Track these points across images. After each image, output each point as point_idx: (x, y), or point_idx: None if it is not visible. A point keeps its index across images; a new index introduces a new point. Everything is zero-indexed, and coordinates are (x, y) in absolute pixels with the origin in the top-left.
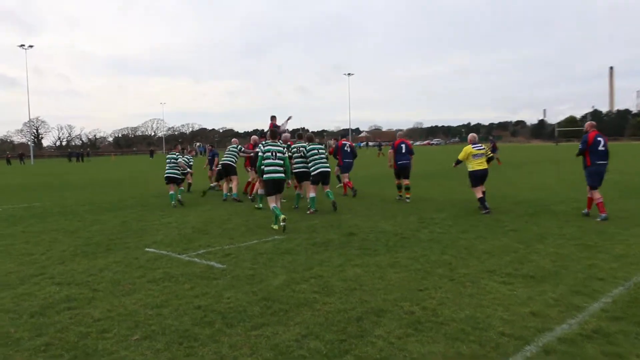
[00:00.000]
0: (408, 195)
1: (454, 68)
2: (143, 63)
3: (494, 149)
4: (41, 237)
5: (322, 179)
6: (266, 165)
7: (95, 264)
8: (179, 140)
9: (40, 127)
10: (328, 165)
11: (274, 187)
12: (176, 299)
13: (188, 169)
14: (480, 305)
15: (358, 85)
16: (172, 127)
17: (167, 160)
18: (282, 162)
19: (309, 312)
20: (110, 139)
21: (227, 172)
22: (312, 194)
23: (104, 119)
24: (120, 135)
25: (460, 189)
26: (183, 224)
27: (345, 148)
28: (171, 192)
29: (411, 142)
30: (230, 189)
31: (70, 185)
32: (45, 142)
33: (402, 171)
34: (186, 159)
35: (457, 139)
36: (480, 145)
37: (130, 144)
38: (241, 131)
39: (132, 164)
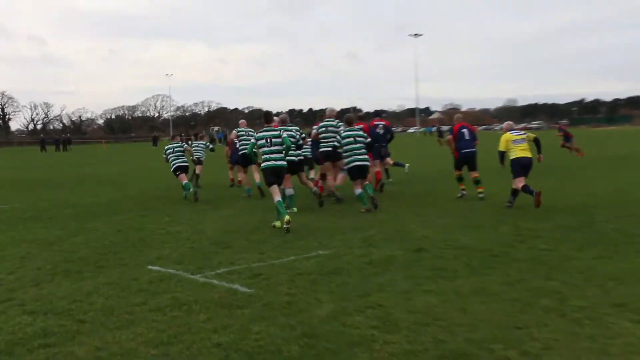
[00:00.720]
0: (480, 190)
1: (562, 24)
2: (143, 21)
3: (567, 138)
4: (8, 250)
5: (359, 174)
6: (263, 154)
7: (81, 287)
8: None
9: (6, 105)
10: (367, 157)
11: (272, 175)
12: (188, 334)
13: (199, 155)
14: (605, 352)
15: (428, 51)
16: (182, 107)
17: (170, 150)
18: (280, 147)
19: (365, 354)
20: (101, 122)
21: (246, 161)
22: (357, 190)
23: (91, 95)
24: (113, 117)
25: (568, 189)
26: (197, 233)
27: (378, 130)
28: (185, 181)
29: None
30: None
31: (48, 182)
32: (14, 125)
33: (465, 161)
34: (202, 145)
35: (565, 121)
36: (519, 130)
37: (127, 128)
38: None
39: (130, 154)
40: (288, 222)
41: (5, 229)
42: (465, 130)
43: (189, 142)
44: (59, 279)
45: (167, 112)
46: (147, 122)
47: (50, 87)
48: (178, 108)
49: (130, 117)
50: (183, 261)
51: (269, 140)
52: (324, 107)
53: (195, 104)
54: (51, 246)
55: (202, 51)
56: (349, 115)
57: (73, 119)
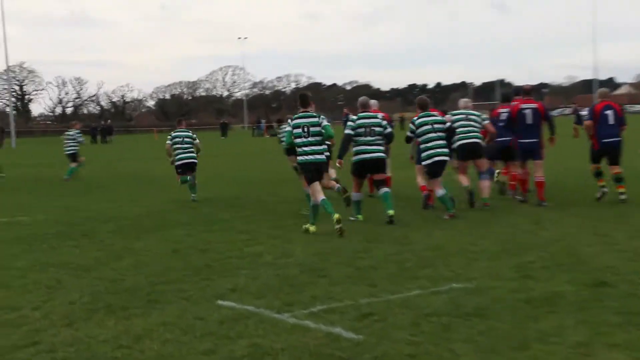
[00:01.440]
0: (621, 190)
1: None
2: None
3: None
4: (31, 277)
5: (437, 170)
6: (299, 146)
7: (129, 328)
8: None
9: (26, 81)
10: (447, 150)
11: (312, 172)
12: None
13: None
14: None
15: None
16: (261, 82)
17: (179, 139)
18: (319, 138)
19: None
20: (151, 104)
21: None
22: (440, 192)
23: (138, 67)
24: (167, 97)
25: None
26: (283, 256)
27: (501, 119)
28: (182, 177)
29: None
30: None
31: (82, 186)
32: (37, 109)
33: (607, 152)
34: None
35: None
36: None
37: (187, 111)
38: (384, 88)
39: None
40: (338, 222)
41: (27, 249)
42: (609, 113)
43: (275, 127)
44: (99, 317)
45: (239, 90)
46: (212, 104)
47: (84, 57)
48: (255, 84)
49: (190, 97)
50: (265, 294)
51: (305, 129)
52: (457, 82)
53: (279, 79)
54: (88, 272)
55: (287, 4)
56: (421, 99)
57: (114, 100)
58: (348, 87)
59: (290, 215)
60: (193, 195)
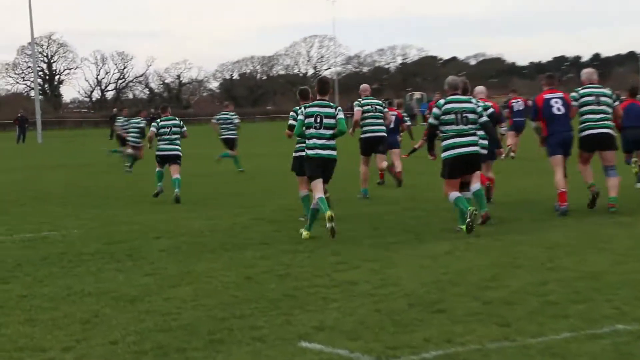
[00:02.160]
0: None
1: None
2: None
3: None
4: (63, 309)
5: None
6: (309, 138)
7: None
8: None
9: (57, 56)
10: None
11: (318, 168)
12: None
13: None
14: None
15: None
16: (357, 57)
17: (166, 129)
18: (332, 132)
19: None
20: (214, 85)
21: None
22: (476, 186)
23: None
24: (234, 77)
25: None
26: (385, 284)
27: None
28: (158, 169)
29: None
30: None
31: (124, 192)
32: (69, 94)
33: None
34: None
35: None
36: None
37: (259, 96)
38: (521, 62)
39: (264, 143)
40: (331, 219)
41: (58, 273)
42: None
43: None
44: None
45: (329, 67)
46: (293, 85)
47: (129, 26)
48: (349, 59)
49: (265, 77)
50: (362, 335)
51: (318, 119)
52: (623, 52)
53: (380, 52)
54: (133, 304)
55: None
56: (452, 78)
57: (167, 81)
58: (472, 62)
59: (394, 230)
60: (176, 190)
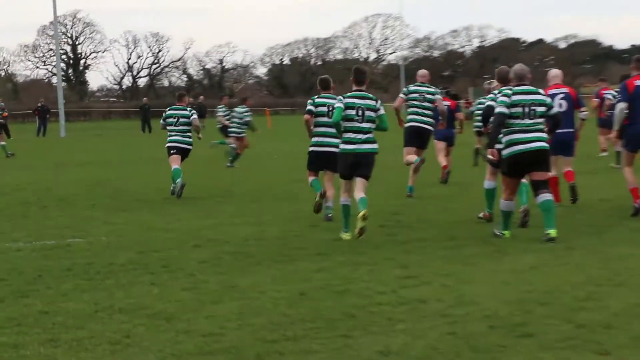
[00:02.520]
0: None
1: None
2: None
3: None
4: (90, 327)
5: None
6: (347, 131)
7: None
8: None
9: (81, 38)
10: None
11: (350, 166)
12: None
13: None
14: None
15: None
16: (426, 39)
17: (173, 119)
18: (373, 126)
19: None
20: (261, 72)
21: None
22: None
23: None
24: (285, 62)
25: None
26: (461, 302)
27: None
28: (175, 166)
29: None
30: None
31: (156, 196)
32: (96, 80)
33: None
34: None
35: None
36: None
37: (313, 84)
38: (620, 45)
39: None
40: (364, 219)
41: (84, 286)
42: None
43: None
44: None
45: (394, 51)
46: (347, 66)
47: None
48: (417, 42)
49: (320, 62)
50: None
51: (361, 113)
52: None
53: (454, 34)
54: (170, 322)
55: None
56: (503, 68)
57: (207, 67)
58: (562, 45)
59: (472, 241)
60: (178, 181)
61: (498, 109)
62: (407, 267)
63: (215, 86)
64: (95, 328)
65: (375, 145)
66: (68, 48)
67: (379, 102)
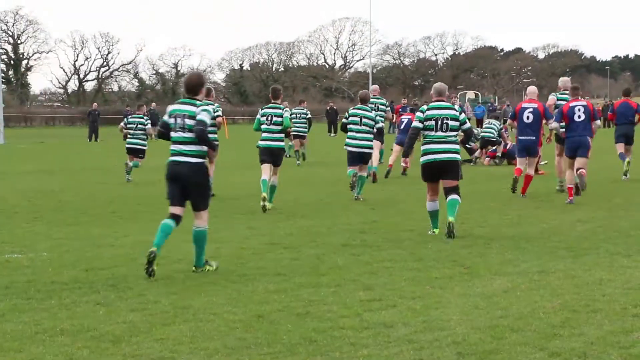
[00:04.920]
0: None
1: None
2: None
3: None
4: (30, 351)
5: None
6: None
7: None
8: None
9: (24, 37)
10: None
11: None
12: None
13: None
14: None
15: None
16: (397, 46)
17: (132, 125)
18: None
19: None
20: (219, 78)
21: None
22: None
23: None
24: (245, 67)
25: None
26: (429, 327)
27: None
28: (132, 161)
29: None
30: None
31: (106, 206)
32: (40, 83)
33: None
34: (301, 115)
35: None
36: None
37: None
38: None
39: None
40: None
41: (23, 306)
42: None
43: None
44: None
45: (362, 57)
46: (317, 80)
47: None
48: (387, 48)
49: (282, 69)
50: None
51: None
52: None
53: (426, 40)
54: (117, 345)
55: None
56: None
57: (161, 71)
58: (541, 55)
59: (439, 262)
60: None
61: (413, 123)
62: (372, 289)
63: (169, 92)
64: (36, 351)
65: (281, 143)
66: (9, 47)
67: (284, 109)
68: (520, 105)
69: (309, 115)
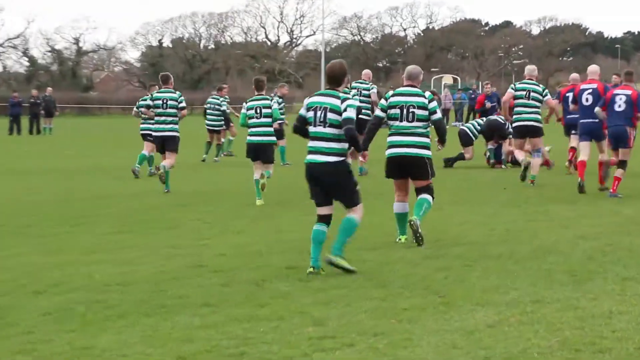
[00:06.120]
0: None
1: None
2: None
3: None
4: None
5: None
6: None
7: None
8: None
9: None
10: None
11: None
12: None
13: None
14: None
15: None
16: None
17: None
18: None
19: None
20: (133, 57)
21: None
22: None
23: None
24: (165, 44)
25: None
26: None
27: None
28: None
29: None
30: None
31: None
32: None
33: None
34: (217, 104)
35: None
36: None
37: (205, 73)
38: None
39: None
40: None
41: None
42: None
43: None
44: None
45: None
46: (257, 59)
47: None
48: (344, 22)
49: (212, 47)
50: None
51: (259, 110)
52: None
53: (392, 12)
54: None
55: None
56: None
57: (57, 47)
58: (535, 30)
59: (407, 289)
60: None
61: (375, 112)
62: (323, 324)
63: (67, 74)
64: None
65: (272, 138)
66: None
67: (272, 100)
68: (579, 86)
69: (224, 108)
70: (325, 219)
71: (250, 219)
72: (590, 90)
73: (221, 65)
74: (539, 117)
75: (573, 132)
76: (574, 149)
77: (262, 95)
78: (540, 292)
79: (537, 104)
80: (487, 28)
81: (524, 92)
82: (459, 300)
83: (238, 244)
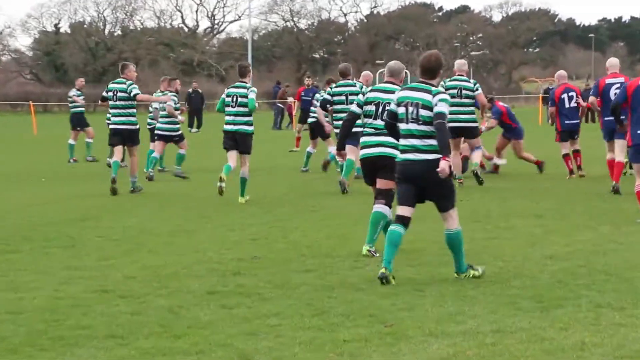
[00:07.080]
0: None
1: None
2: None
3: None
4: None
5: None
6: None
7: None
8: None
9: None
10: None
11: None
12: None
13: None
14: None
15: None
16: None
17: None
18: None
19: None
20: (23, 43)
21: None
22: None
23: None
24: (63, 30)
25: None
26: None
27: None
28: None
29: None
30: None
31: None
32: None
33: None
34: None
35: None
36: None
37: (111, 65)
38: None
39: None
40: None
41: None
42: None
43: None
44: None
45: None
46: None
47: None
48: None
49: (119, 33)
50: None
51: (235, 99)
52: None
53: None
54: None
55: None
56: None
57: None
58: (496, 17)
59: (348, 318)
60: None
61: (351, 107)
62: (250, 359)
63: None
64: None
65: (249, 128)
66: None
67: (250, 89)
68: (604, 80)
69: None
70: (404, 221)
71: (164, 234)
72: (618, 85)
73: (130, 55)
74: (474, 116)
75: (575, 136)
76: (569, 156)
77: (244, 82)
78: (502, 321)
79: (471, 101)
80: (440, 14)
81: (456, 90)
82: (408, 331)
83: (150, 265)
